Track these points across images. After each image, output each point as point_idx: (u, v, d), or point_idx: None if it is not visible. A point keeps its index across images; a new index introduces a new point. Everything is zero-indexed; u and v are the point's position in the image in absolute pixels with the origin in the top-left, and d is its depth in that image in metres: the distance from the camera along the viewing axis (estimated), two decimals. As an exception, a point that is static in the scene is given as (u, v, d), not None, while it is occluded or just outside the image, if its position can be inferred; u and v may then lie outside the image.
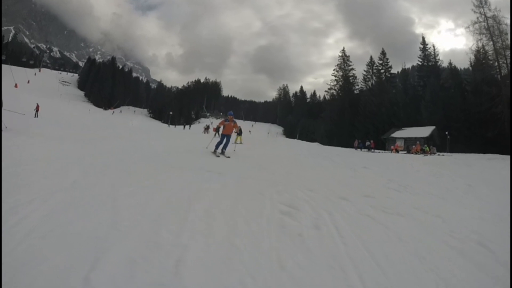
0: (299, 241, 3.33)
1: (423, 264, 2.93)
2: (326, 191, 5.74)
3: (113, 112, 69.27)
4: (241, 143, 13.29)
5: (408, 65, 64.51)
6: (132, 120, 54.35)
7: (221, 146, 11.00)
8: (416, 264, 2.93)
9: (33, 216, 3.75)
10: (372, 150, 34.23)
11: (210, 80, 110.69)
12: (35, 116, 27.65)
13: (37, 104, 32.04)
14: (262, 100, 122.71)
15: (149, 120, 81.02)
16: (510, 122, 31.26)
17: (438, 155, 25.72)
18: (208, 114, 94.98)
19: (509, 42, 36.35)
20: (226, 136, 11.02)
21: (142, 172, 7.11)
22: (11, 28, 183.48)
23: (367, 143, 36.74)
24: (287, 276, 2.65)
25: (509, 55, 36.12)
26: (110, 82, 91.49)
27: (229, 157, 10.37)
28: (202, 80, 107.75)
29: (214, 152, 10.95)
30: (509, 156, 17.93)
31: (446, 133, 37.19)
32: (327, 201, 4.96)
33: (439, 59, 56.65)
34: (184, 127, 50.17)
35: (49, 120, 25.07)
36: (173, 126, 60.36)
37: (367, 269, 2.77)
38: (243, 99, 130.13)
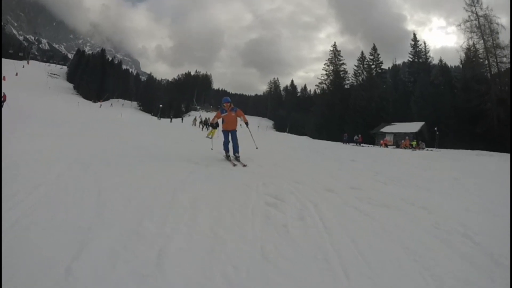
0: (283, 232, 3.32)
1: (407, 254, 2.93)
2: (312, 183, 5.72)
3: (101, 105, 68.13)
4: (211, 137, 10.92)
5: (399, 61, 64.63)
6: (122, 113, 53.73)
7: (231, 147, 8.28)
8: (400, 254, 2.93)
9: (17, 209, 3.76)
10: (360, 144, 34.42)
11: (201, 73, 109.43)
12: None
13: (4, 93, 26.52)
14: (253, 94, 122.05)
15: (139, 113, 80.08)
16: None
17: (427, 150, 26.02)
18: (198, 107, 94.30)
19: (499, 41, 36.97)
20: (230, 132, 8.24)
21: (127, 165, 7.08)
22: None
23: (355, 137, 36.94)
24: (271, 267, 2.64)
25: (499, 54, 36.74)
26: (100, 75, 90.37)
27: (245, 165, 7.52)
28: (192, 73, 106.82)
29: (227, 157, 8.28)
30: (497, 153, 18.27)
31: (435, 128, 37.66)
32: (313, 192, 4.96)
33: (429, 56, 57.00)
34: (171, 120, 49.36)
35: (28, 113, 24.48)
36: (165, 119, 59.97)
37: (351, 260, 2.77)
38: (233, 92, 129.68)
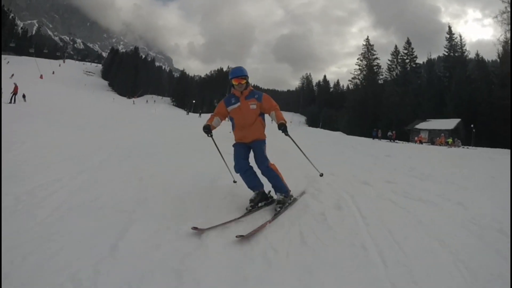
0: (321, 219, 3.44)
1: (442, 247, 2.96)
2: (348, 176, 5.85)
3: (134, 101, 69.25)
4: None
5: (434, 55, 62.43)
6: (155, 109, 55.07)
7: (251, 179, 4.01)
8: (435, 246, 2.97)
9: (61, 192, 4.10)
10: (394, 140, 33.59)
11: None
12: (10, 102, 21.62)
13: (15, 84, 23.92)
14: (285, 89, 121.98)
15: (172, 108, 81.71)
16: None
17: (463, 148, 25.17)
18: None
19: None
20: (250, 145, 4.09)
21: (164, 155, 7.54)
22: (35, 21, 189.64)
23: (389, 133, 36.08)
24: (308, 251, 2.76)
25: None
26: (133, 72, 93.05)
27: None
28: (224, 69, 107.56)
29: (257, 202, 3.87)
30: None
31: (472, 126, 36.25)
32: (348, 185, 5.07)
33: (465, 49, 55.04)
34: (200, 115, 49.75)
35: (67, 107, 25.61)
36: (193, 114, 60.77)
37: (387, 248, 2.85)
38: (265, 87, 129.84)
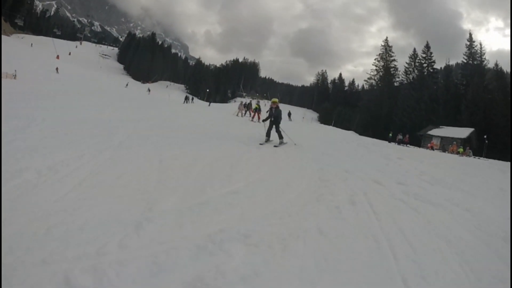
0: (336, 212, 3.61)
1: (449, 248, 3.11)
2: (361, 174, 5.98)
3: (149, 89, 66.98)
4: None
5: (452, 62, 61.43)
6: (169, 94, 55.33)
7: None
8: (443, 246, 3.11)
9: (83, 169, 4.16)
10: (406, 144, 33.18)
11: (249, 60, 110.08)
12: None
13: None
14: (299, 84, 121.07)
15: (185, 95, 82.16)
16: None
17: (474, 158, 24.99)
18: (244, 94, 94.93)
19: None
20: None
21: (182, 139, 7.69)
22: (53, 2, 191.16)
23: (399, 136, 35.69)
24: (325, 240, 2.91)
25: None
26: (149, 57, 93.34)
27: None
28: (240, 60, 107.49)
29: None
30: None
31: (485, 137, 35.78)
32: (361, 182, 5.22)
33: (485, 58, 53.94)
34: (209, 104, 49.48)
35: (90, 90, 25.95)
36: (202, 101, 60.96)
37: (398, 244, 3.00)
38: (280, 81, 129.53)
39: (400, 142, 33.76)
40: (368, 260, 2.68)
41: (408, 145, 33.17)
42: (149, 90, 59.44)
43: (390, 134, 36.86)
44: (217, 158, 5.79)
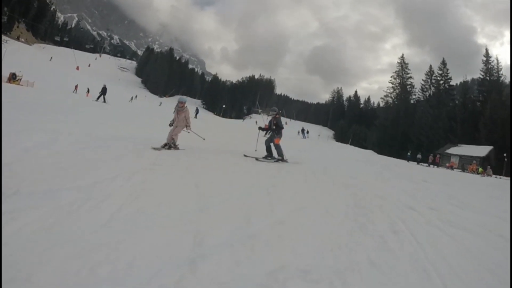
0: (381, 242, 3.67)
1: (492, 276, 3.14)
2: (393, 199, 6.05)
3: (161, 103, 67.30)
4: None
5: (469, 78, 61.06)
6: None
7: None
8: (487, 277, 3.14)
9: (119, 194, 4.08)
10: (431, 165, 32.37)
11: (265, 77, 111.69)
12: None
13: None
14: (315, 101, 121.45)
15: (202, 111, 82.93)
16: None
17: (495, 177, 24.63)
18: (260, 110, 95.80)
19: None
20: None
21: (215, 160, 7.86)
22: (75, 15, 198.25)
23: (418, 155, 35.23)
24: (379, 273, 2.94)
25: None
26: (167, 72, 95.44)
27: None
28: (256, 77, 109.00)
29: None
30: None
31: (504, 155, 35.23)
32: (396, 209, 5.28)
33: (502, 73, 53.67)
34: (160, 104, 49.36)
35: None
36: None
37: (445, 273, 3.05)
38: (295, 98, 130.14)
39: (419, 161, 33.19)
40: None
41: (433, 165, 32.49)
42: (160, 104, 60.56)
43: (409, 153, 36.65)
44: (253, 184, 5.85)
